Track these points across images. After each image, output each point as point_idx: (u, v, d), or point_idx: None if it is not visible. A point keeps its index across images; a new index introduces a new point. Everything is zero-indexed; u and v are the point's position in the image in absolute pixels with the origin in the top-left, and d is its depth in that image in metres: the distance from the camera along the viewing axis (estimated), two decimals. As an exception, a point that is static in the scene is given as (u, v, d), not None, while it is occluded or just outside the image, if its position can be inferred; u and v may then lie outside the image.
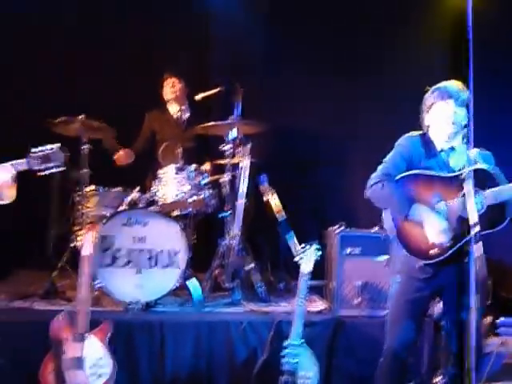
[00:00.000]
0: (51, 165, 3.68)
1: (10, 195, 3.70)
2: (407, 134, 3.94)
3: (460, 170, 3.76)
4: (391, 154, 3.91)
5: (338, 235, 5.14)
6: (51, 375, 4.16)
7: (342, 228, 5.18)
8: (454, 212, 3.75)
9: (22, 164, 3.66)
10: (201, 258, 5.53)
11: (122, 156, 6.01)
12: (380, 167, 3.88)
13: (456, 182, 3.74)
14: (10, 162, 3.64)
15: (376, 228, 5.08)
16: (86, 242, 4.47)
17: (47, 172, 3.71)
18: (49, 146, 3.69)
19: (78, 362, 4.21)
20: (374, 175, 3.87)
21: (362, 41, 6.65)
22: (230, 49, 6.64)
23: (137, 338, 4.72)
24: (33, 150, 3.67)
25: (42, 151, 3.66)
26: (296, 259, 4.54)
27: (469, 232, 3.51)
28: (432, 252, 3.74)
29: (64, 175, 5.40)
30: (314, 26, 6.67)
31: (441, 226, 3.71)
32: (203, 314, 5.03)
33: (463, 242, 3.66)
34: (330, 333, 4.87)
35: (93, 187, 5.50)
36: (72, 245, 5.47)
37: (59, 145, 3.75)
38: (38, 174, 3.77)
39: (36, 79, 6.41)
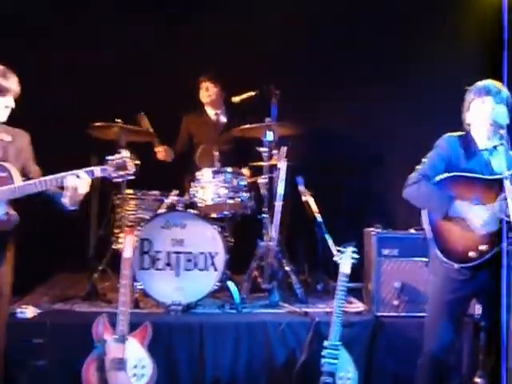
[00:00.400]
0: (124, 173, 3.72)
1: (79, 201, 3.77)
2: (446, 135, 3.91)
3: (502, 171, 3.71)
4: (430, 154, 3.89)
5: (374, 236, 5.13)
6: (94, 376, 4.23)
7: (379, 229, 5.18)
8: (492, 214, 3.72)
9: (97, 171, 3.70)
10: (239, 260, 5.57)
11: (162, 152, 6.07)
12: (418, 168, 3.87)
13: (496, 185, 3.71)
14: (85, 169, 3.67)
15: (413, 229, 5.06)
16: (126, 244, 4.54)
17: (120, 180, 3.76)
18: (122, 154, 3.73)
19: (120, 364, 4.28)
20: (411, 175, 3.86)
21: (400, 41, 6.62)
22: (266, 51, 6.66)
23: (177, 340, 4.75)
24: (108, 157, 3.71)
25: (117, 159, 3.69)
26: (335, 259, 4.55)
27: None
28: (471, 254, 3.72)
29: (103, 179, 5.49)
30: (352, 26, 6.67)
31: (485, 215, 3.68)
32: (242, 315, 5.06)
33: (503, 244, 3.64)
34: (370, 333, 4.86)
35: (131, 191, 5.59)
36: (112, 247, 5.56)
37: (129, 154, 3.79)
38: (113, 180, 3.85)
39: (76, 82, 6.52)
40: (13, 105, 3.72)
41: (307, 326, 4.75)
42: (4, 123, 3.80)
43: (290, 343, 4.79)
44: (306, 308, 5.12)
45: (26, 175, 3.78)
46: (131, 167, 3.71)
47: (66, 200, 3.69)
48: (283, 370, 4.72)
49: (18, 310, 4.75)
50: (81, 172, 3.64)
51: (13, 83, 3.68)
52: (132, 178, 3.80)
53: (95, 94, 6.42)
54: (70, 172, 3.64)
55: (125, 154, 3.74)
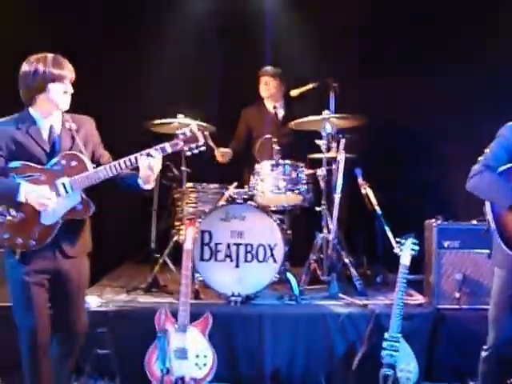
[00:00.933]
0: (195, 145, 3.70)
1: (153, 179, 3.78)
2: (510, 123, 3.82)
3: None
4: (492, 144, 3.81)
5: (435, 228, 5.08)
6: (156, 365, 4.31)
7: (440, 221, 5.13)
8: None
9: (168, 147, 3.68)
10: (297, 252, 5.59)
11: (220, 156, 6.13)
12: (480, 158, 3.81)
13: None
14: (156, 147, 3.67)
15: (475, 220, 5.00)
16: (187, 236, 4.61)
17: (191, 152, 3.76)
18: (191, 127, 3.72)
19: (182, 353, 4.35)
20: (474, 167, 3.80)
21: (463, 28, 6.46)
22: (325, 44, 6.65)
23: (236, 331, 4.82)
24: (177, 131, 3.73)
25: (186, 132, 3.68)
26: (396, 251, 4.53)
27: None
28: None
29: (164, 173, 5.59)
30: (414, 16, 6.60)
31: None
32: (301, 306, 5.08)
33: None
34: (430, 326, 4.83)
35: (191, 184, 5.67)
36: (173, 240, 5.64)
37: (196, 125, 3.80)
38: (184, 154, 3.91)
39: (139, 79, 6.64)
40: (71, 90, 3.71)
41: (367, 318, 4.75)
42: (67, 112, 3.81)
43: (350, 335, 4.80)
44: (365, 300, 5.11)
45: (96, 161, 3.81)
46: (201, 138, 3.69)
47: (140, 180, 3.70)
48: (342, 362, 4.73)
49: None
50: (152, 150, 3.65)
51: (67, 69, 3.66)
52: (202, 149, 3.77)
53: (157, 88, 6.54)
54: (142, 151, 3.66)
55: (193, 126, 3.75)
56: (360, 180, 5.54)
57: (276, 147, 5.46)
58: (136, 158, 3.65)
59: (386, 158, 6.60)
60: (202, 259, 5.12)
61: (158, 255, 5.71)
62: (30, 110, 3.69)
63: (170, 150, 3.69)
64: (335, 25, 6.62)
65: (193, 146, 3.71)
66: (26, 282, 3.65)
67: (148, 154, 3.64)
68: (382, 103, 6.59)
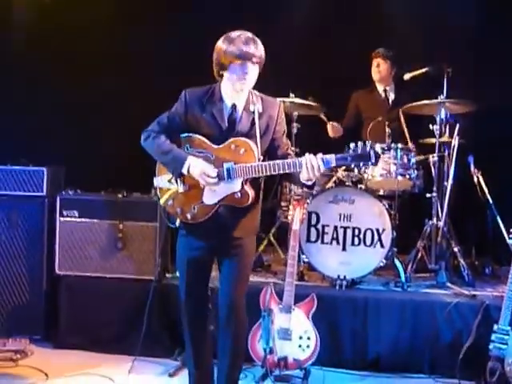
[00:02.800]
0: (362, 162, 3.51)
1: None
2: None
3: None
4: None
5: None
6: (260, 344, 4.34)
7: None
8: None
9: (333, 160, 3.47)
10: (404, 239, 5.49)
11: (331, 129, 6.09)
12: None
13: None
14: (322, 156, 3.45)
15: None
16: (295, 217, 4.61)
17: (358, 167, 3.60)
18: (368, 145, 3.58)
19: (286, 333, 4.37)
20: None
21: None
22: (439, 27, 6.49)
23: (341, 314, 4.81)
24: (351, 145, 3.60)
25: (360, 149, 3.50)
26: (509, 241, 4.40)
27: None
28: None
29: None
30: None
31: None
32: (407, 293, 5.01)
33: None
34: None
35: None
36: (279, 220, 5.66)
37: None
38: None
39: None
40: (254, 71, 3.57)
41: (475, 309, 4.65)
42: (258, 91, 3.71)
43: (457, 325, 4.70)
44: (473, 291, 4.99)
45: (272, 150, 3.71)
46: (373, 159, 3.44)
47: (303, 177, 3.53)
48: (448, 352, 4.64)
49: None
50: (316, 160, 3.45)
51: (252, 49, 3.52)
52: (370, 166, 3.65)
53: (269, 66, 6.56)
54: (307, 158, 3.45)
55: (369, 144, 3.55)
56: (472, 168, 5.39)
57: (388, 130, 5.38)
58: (300, 163, 3.47)
59: (499, 146, 6.37)
60: (308, 240, 5.13)
61: (264, 235, 5.74)
62: (218, 86, 3.66)
63: (334, 164, 3.50)
64: (451, 10, 6.44)
65: (361, 162, 3.52)
66: (187, 256, 3.72)
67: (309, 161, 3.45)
68: (496, 90, 6.37)
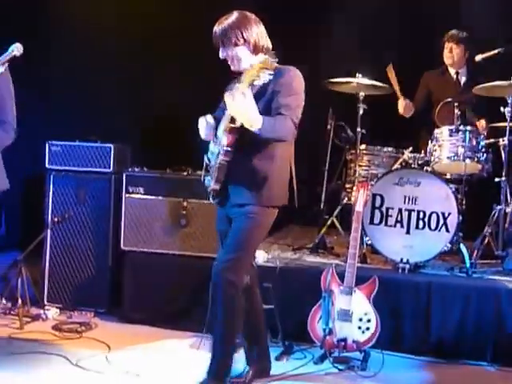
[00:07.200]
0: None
1: None
2: None
3: None
4: None
5: None
6: (319, 325, 4.33)
7: None
8: None
9: None
10: (470, 224, 5.36)
11: (402, 106, 5.98)
12: None
13: None
14: None
15: None
16: (359, 198, 4.56)
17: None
18: None
19: (346, 315, 4.33)
20: None
21: None
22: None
23: (403, 298, 4.73)
24: None
25: None
26: None
27: None
28: None
29: (338, 133, 5.57)
30: None
31: None
32: (472, 279, 4.89)
33: None
34: None
35: (365, 146, 5.59)
36: (343, 202, 5.61)
37: None
38: None
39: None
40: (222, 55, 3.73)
41: (544, 299, 4.51)
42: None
43: (523, 313, 4.58)
44: (540, 280, 4.85)
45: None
46: None
47: None
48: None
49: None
50: None
51: (218, 31, 3.67)
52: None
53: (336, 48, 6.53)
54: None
55: None
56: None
57: (457, 112, 5.26)
58: None
59: None
60: (371, 223, 5.06)
61: (327, 216, 5.70)
62: None
63: None
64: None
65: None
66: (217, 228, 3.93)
67: None
68: None
